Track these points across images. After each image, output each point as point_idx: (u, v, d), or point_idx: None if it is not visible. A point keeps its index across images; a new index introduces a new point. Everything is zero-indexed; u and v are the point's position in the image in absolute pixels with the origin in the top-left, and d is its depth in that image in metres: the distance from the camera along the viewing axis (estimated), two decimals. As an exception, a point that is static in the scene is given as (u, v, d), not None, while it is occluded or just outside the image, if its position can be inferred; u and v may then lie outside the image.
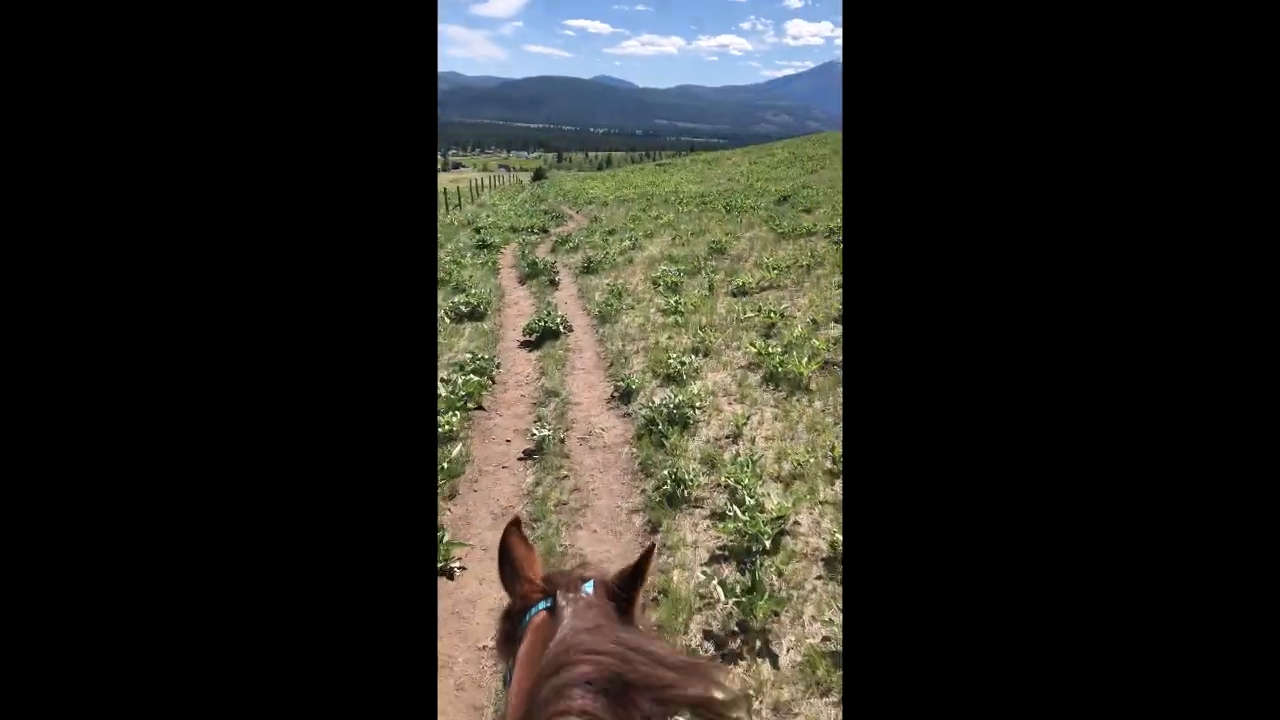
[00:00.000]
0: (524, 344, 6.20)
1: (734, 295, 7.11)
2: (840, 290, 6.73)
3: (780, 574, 2.70)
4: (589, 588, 0.79)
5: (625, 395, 4.66)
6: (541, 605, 0.78)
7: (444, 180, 50.29)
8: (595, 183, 32.63)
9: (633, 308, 6.99)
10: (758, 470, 3.37)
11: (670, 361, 4.97)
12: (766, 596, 2.45)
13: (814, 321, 5.84)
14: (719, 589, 2.52)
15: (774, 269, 7.71)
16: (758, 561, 2.71)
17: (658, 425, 3.92)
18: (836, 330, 5.56)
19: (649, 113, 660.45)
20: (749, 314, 6.17)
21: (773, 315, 5.92)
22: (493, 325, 6.81)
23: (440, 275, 8.70)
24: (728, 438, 3.93)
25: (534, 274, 9.08)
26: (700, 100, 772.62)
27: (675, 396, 4.19)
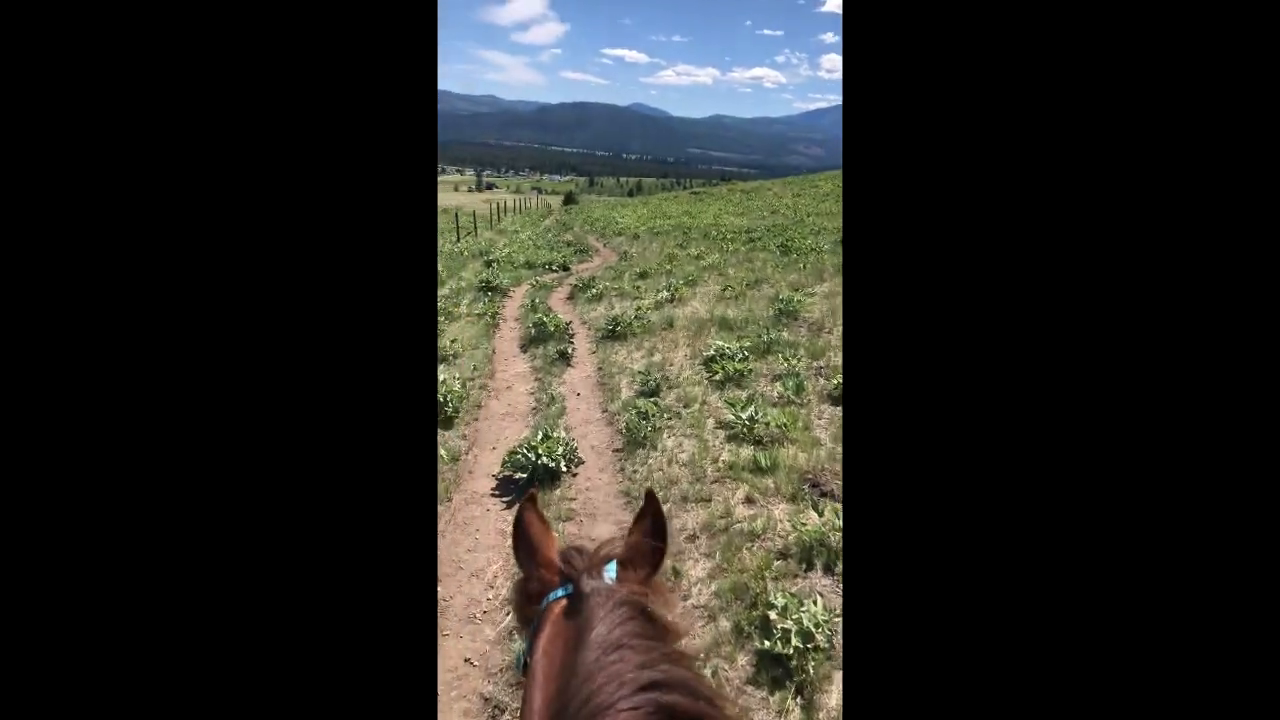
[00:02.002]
0: (498, 492, 3.76)
1: (837, 403, 4.62)
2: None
3: None
4: (612, 570, 0.76)
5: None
6: (561, 592, 0.76)
7: (475, 200, 48.86)
8: (626, 210, 30.41)
9: (678, 417, 4.53)
10: None
11: (764, 588, 2.48)
12: None
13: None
14: None
15: (883, 353, 5.22)
16: None
17: None
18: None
19: (681, 141, 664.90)
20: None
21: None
22: (458, 444, 4.36)
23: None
24: None
25: (541, 338, 6.72)
26: (732, 130, 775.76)
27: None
